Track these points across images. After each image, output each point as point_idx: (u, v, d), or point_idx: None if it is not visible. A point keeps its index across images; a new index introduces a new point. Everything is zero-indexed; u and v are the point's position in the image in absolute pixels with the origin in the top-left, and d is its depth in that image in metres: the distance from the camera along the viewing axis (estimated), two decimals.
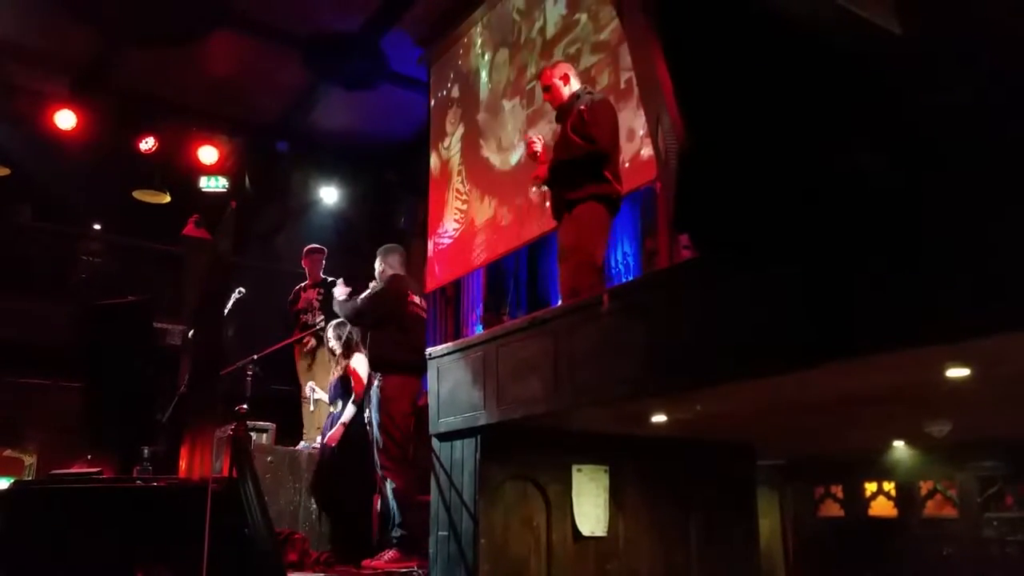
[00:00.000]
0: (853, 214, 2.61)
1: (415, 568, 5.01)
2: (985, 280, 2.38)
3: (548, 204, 4.73)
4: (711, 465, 4.96)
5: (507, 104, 6.72)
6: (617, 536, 4.57)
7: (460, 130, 7.39)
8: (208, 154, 9.33)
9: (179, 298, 7.81)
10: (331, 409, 6.26)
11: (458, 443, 4.51)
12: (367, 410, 5.80)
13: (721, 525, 4.91)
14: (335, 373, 6.30)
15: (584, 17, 5.89)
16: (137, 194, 9.16)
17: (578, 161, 4.31)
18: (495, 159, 6.80)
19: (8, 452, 9.02)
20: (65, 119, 8.59)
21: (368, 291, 5.77)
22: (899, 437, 5.38)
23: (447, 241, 7.35)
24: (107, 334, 4.55)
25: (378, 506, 5.81)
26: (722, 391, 3.49)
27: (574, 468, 4.50)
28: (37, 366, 8.40)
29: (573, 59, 5.63)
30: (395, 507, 5.35)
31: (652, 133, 3.16)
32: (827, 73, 2.35)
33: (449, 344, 4.86)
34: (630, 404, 3.78)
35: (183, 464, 4.04)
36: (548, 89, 4.66)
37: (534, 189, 5.10)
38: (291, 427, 7.30)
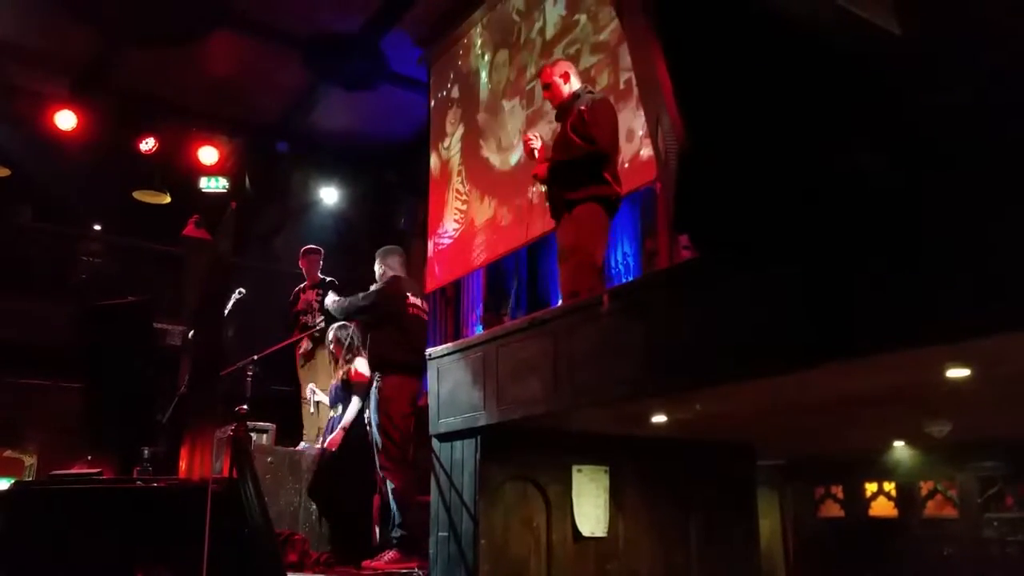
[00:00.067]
0: (853, 214, 2.60)
1: (415, 569, 5.00)
2: (985, 280, 2.38)
3: (547, 204, 4.73)
4: (711, 465, 4.95)
5: (507, 104, 6.72)
6: (617, 536, 4.56)
7: (460, 130, 7.40)
8: (208, 154, 9.34)
9: (179, 299, 7.81)
10: (331, 413, 6.26)
11: (458, 443, 4.51)
12: (366, 411, 5.80)
13: (721, 525, 4.90)
14: (336, 376, 6.29)
15: (584, 18, 5.90)
16: (137, 195, 9.17)
17: (578, 161, 4.30)
18: (495, 159, 6.81)
19: (8, 453, 9.02)
20: (65, 119, 8.59)
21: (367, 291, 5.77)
22: (899, 437, 5.38)
23: (447, 241, 7.35)
24: (107, 335, 4.54)
25: (378, 507, 5.81)
26: (722, 391, 3.49)
27: (574, 468, 4.50)
28: (37, 366, 8.40)
29: (573, 59, 5.63)
30: (395, 508, 5.35)
31: (652, 133, 3.15)
32: (827, 73, 2.34)
33: (449, 344, 4.86)
34: (630, 404, 3.78)
35: (183, 465, 4.04)
36: (548, 87, 4.65)
37: (533, 189, 5.10)
38: (291, 428, 7.29)
